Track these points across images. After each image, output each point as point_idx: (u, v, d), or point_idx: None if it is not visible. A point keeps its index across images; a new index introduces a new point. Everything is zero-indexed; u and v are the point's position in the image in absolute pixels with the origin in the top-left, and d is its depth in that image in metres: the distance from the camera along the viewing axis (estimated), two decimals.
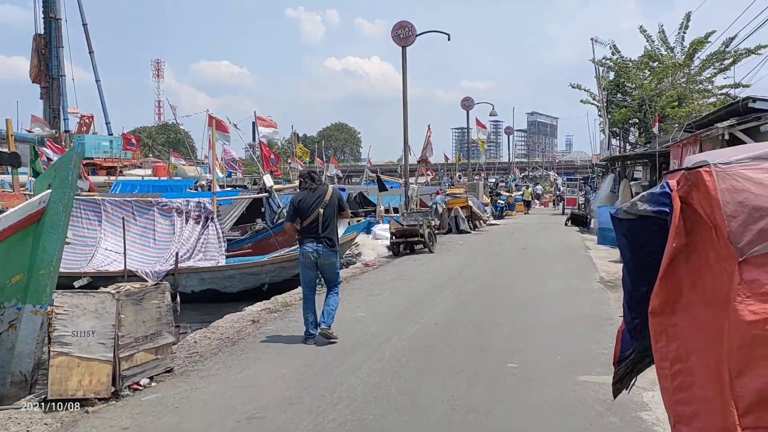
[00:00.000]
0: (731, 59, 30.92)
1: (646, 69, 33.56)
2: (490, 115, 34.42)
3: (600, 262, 14.66)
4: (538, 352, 6.68)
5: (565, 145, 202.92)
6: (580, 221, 27.15)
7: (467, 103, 31.97)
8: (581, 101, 36.62)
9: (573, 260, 15.10)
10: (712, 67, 32.10)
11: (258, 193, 18.43)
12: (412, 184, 18.67)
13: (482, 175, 43.40)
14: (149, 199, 16.57)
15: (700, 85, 32.97)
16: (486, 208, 32.69)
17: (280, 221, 18.00)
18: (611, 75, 34.60)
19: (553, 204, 37.35)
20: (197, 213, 16.42)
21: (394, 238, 17.11)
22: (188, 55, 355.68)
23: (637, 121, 34.40)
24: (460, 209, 23.88)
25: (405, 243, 17.19)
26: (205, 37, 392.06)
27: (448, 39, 19.81)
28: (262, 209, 18.34)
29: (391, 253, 17.44)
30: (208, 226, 16.39)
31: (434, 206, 25.60)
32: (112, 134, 68.10)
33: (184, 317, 10.52)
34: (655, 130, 18.30)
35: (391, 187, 39.04)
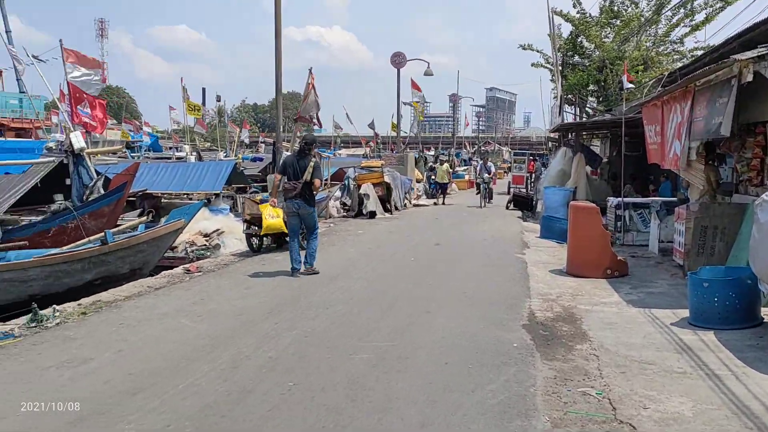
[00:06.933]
0: (704, 15, 26.46)
1: (607, 27, 28.79)
2: (425, 74, 29.10)
3: (537, 274, 9.70)
4: None
5: (523, 121, 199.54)
6: (524, 204, 22.31)
7: (398, 59, 26.54)
8: (532, 65, 31.77)
9: (495, 269, 10.05)
10: (683, 24, 27.59)
11: (66, 158, 12.79)
12: (286, 152, 13.45)
13: (417, 147, 38.42)
14: None
15: (670, 46, 28.37)
16: (419, 185, 27.61)
17: (92, 198, 12.56)
18: (566, 33, 29.68)
19: (478, 188, 25.86)
20: None
21: (248, 227, 11.84)
22: (145, 18, 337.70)
23: (596, 88, 29.78)
24: (372, 187, 18.72)
25: (264, 235, 11.94)
26: None
27: None
28: (68, 181, 12.81)
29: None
30: None
31: (347, 182, 20.49)
32: (24, 92, 60.12)
33: None
34: (626, 83, 13.22)
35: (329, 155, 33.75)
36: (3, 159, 20.03)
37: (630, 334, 6.27)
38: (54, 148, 14.21)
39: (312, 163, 9.46)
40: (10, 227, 12.19)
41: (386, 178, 19.63)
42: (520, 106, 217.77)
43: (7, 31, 63.90)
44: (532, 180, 29.08)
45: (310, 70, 14.34)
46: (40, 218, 12.36)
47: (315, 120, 15.26)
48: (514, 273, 9.77)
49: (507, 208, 22.46)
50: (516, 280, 9.21)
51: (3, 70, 63.51)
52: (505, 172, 48.00)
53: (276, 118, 13.54)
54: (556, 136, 28.55)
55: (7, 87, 62.98)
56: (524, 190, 28.17)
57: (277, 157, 13.97)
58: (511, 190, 27.86)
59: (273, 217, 10.44)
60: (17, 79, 49.74)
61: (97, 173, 13.05)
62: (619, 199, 13.35)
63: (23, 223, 12.47)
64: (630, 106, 12.81)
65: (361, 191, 18.47)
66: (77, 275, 10.29)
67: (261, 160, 31.35)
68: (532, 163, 31.72)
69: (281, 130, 14.11)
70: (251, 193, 21.17)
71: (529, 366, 5.29)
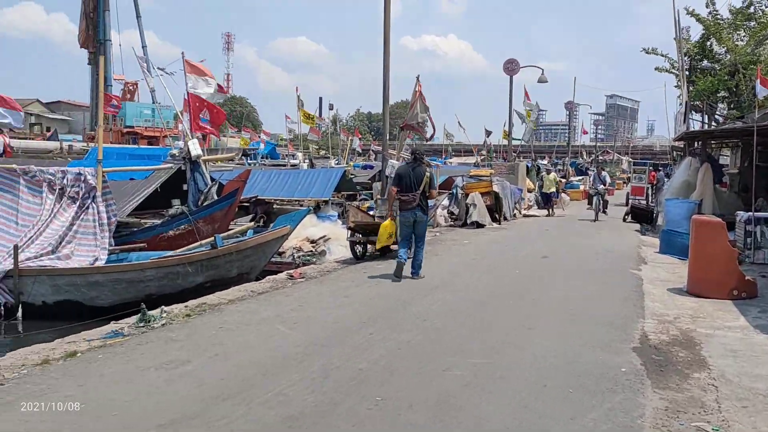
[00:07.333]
0: None
1: (741, 29, 26.76)
2: (539, 81, 28.29)
3: (654, 292, 9.05)
4: None
5: (646, 130, 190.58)
6: (643, 217, 21.09)
7: (510, 66, 25.98)
8: (656, 69, 30.11)
9: (606, 286, 9.47)
10: None
11: (183, 164, 13.42)
12: (391, 160, 13.32)
13: (530, 155, 37.37)
14: (14, 167, 11.89)
15: None
16: (530, 195, 26.81)
17: (207, 203, 13.11)
18: (694, 37, 27.91)
19: (590, 201, 23.86)
20: (76, 189, 11.71)
21: (352, 235, 11.88)
22: (268, 31, 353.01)
23: (727, 95, 27.74)
24: (480, 196, 18.35)
25: (368, 243, 11.94)
26: (283, 12, 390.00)
27: None
28: (184, 187, 13.43)
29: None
30: (87, 208, 11.67)
31: (455, 191, 20.24)
32: (156, 102, 64.45)
33: None
34: (760, 88, 12.09)
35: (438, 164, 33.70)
36: (133, 165, 21.46)
37: (756, 364, 5.65)
38: (177, 155, 14.98)
39: (428, 173, 9.75)
40: (135, 229, 12.96)
41: (495, 188, 19.19)
42: (642, 113, 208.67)
43: (143, 46, 68.73)
44: (653, 191, 27.54)
45: (417, 78, 14.28)
46: (159, 221, 13.03)
47: (426, 127, 15.11)
48: (627, 290, 9.16)
49: (624, 220, 21.34)
50: (629, 298, 8.62)
51: (138, 82, 68.48)
52: (624, 182, 45.94)
53: (383, 127, 13.55)
54: (681, 145, 26.90)
55: (142, 98, 67.82)
56: (644, 202, 26.70)
57: (384, 165, 13.96)
58: (630, 201, 26.44)
59: (390, 236, 10.47)
60: (150, 91, 53.27)
61: (212, 179, 13.60)
62: (750, 213, 12.27)
63: (146, 225, 13.22)
64: (764, 113, 11.73)
65: (468, 200, 18.16)
66: (189, 277, 10.72)
67: (371, 167, 31.74)
68: (653, 173, 30.04)
69: (388, 138, 14.07)
70: (360, 200, 21.42)
71: (638, 394, 4.86)
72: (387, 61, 13.47)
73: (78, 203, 11.47)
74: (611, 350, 6.01)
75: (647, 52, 29.89)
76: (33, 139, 52.10)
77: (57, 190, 11.55)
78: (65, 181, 11.57)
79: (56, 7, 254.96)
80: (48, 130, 60.30)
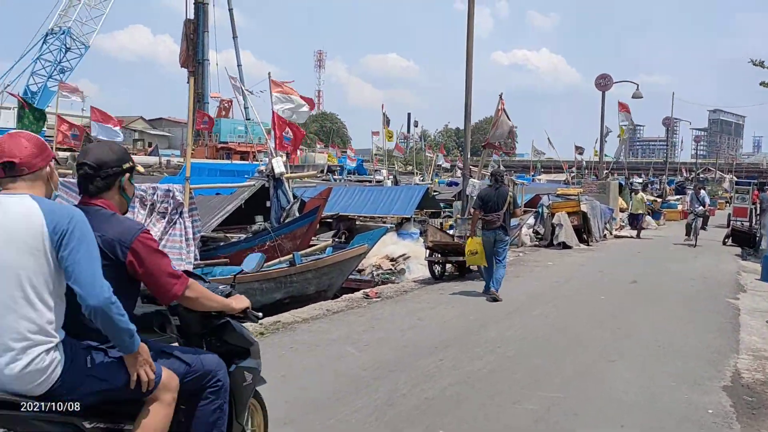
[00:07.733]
0: None
1: None
2: (633, 97, 27.23)
3: (751, 324, 8.44)
4: None
5: (752, 146, 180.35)
6: (745, 240, 19.80)
7: (603, 82, 25.15)
8: (761, 84, 28.35)
9: (698, 315, 8.87)
10: None
11: (267, 181, 13.71)
12: (472, 179, 13.07)
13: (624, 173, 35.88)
14: None
15: None
16: (622, 215, 25.75)
17: (289, 220, 13.32)
18: None
19: (687, 231, 19.76)
20: (165, 205, 12.14)
21: (431, 254, 11.73)
22: (360, 48, 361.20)
23: None
24: (566, 216, 17.76)
25: (447, 263, 11.76)
26: (374, 29, 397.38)
27: None
28: (268, 203, 13.70)
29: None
30: (175, 223, 12.07)
31: (540, 210, 19.74)
32: (249, 119, 66.58)
33: None
34: None
35: (523, 182, 33.09)
36: (222, 180, 22.24)
37: None
38: (264, 170, 15.35)
39: (511, 193, 10.18)
40: (221, 243, 13.34)
41: (583, 207, 18.52)
42: (748, 129, 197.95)
43: (237, 65, 71.38)
44: (758, 212, 25.81)
45: (501, 96, 13.99)
46: (243, 237, 13.34)
47: (507, 147, 14.83)
48: (721, 321, 8.54)
49: (724, 243, 20.09)
50: (722, 330, 8.03)
51: (232, 100, 71.11)
52: (726, 202, 43.48)
53: (464, 146, 13.36)
54: None
55: (236, 115, 70.36)
56: (747, 224, 25.07)
57: (464, 184, 13.76)
58: (731, 223, 24.89)
59: (475, 253, 10.29)
60: (245, 108, 55.27)
61: (294, 196, 13.82)
62: None
63: (231, 240, 13.57)
64: None
65: (554, 220, 17.61)
66: (269, 294, 10.88)
67: (456, 184, 31.48)
68: (756, 192, 28.19)
69: (468, 155, 13.88)
70: (443, 218, 21.25)
71: None
72: (470, 82, 13.29)
73: (167, 218, 11.90)
74: (698, 388, 5.58)
75: (754, 64, 28.17)
76: (136, 154, 55.09)
77: (148, 206, 12.04)
78: (155, 197, 12.02)
79: (162, 29, 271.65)
80: (150, 145, 63.52)
